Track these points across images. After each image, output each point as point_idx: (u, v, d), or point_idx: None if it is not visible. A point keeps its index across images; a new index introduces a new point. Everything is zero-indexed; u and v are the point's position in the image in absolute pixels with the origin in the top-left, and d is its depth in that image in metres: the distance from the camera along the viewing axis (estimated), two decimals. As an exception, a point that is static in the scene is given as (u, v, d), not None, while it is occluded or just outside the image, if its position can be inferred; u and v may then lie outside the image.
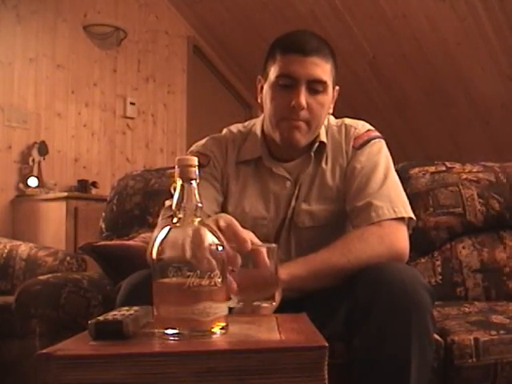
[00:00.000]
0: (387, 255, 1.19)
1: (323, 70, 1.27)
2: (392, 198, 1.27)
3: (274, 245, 0.96)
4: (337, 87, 1.36)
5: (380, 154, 1.35)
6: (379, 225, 1.23)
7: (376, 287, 1.07)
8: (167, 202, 1.37)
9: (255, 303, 0.91)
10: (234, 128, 1.45)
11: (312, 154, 1.35)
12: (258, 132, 1.39)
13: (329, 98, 1.31)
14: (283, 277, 1.04)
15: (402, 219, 1.26)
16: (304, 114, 1.27)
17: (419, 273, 1.17)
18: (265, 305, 0.91)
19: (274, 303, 0.93)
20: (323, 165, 1.35)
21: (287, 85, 1.26)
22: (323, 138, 1.36)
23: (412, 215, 1.28)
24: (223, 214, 0.97)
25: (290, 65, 1.26)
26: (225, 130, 1.45)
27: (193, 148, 1.42)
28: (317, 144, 1.35)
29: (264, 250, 0.94)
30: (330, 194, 1.34)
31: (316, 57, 1.25)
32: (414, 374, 1.04)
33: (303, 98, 1.25)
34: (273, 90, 1.29)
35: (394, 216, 1.24)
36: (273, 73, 1.29)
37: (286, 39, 1.30)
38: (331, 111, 1.37)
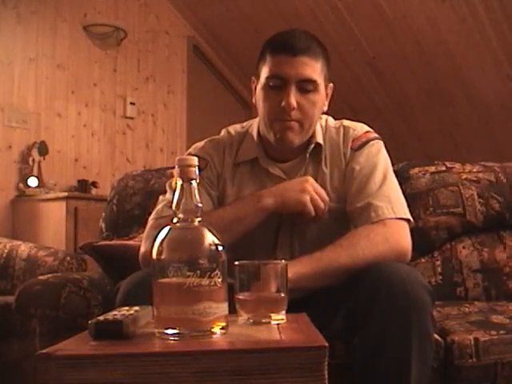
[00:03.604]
0: (392, 255, 1.19)
1: (313, 69, 1.27)
2: (391, 198, 1.27)
3: (283, 261, 0.96)
4: (330, 84, 1.36)
5: (379, 155, 1.35)
6: (384, 224, 1.23)
7: (376, 287, 1.07)
8: (161, 197, 1.37)
9: (264, 320, 0.91)
10: (232, 129, 1.45)
11: (307, 155, 1.35)
12: (255, 133, 1.40)
13: (320, 96, 1.31)
14: (290, 275, 1.04)
15: (403, 219, 1.26)
16: (295, 113, 1.27)
17: (419, 273, 1.17)
18: (274, 322, 0.91)
19: (283, 319, 0.93)
20: (323, 167, 1.35)
21: (277, 86, 1.27)
22: (319, 139, 1.36)
23: (410, 217, 1.28)
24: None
25: (279, 65, 1.26)
26: (223, 131, 1.45)
27: (191, 150, 1.43)
28: (312, 145, 1.35)
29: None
30: (329, 195, 1.34)
31: (305, 56, 1.25)
32: (414, 375, 1.04)
33: (293, 98, 1.25)
34: (264, 91, 1.30)
35: (393, 216, 1.24)
36: (263, 74, 1.30)
37: (276, 40, 1.30)
38: (326, 109, 1.37)
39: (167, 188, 1.38)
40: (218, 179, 1.38)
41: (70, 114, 4.07)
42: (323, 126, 1.39)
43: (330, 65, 1.34)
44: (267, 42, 1.32)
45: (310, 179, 1.28)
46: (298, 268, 1.12)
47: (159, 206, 1.36)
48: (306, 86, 1.27)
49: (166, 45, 4.80)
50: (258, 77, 1.34)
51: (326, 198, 1.28)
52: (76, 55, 4.12)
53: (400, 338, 1.04)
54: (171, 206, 1.27)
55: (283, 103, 1.25)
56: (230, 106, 5.34)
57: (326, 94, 1.35)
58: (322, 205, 1.27)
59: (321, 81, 1.29)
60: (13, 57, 3.75)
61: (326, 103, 1.36)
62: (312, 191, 1.26)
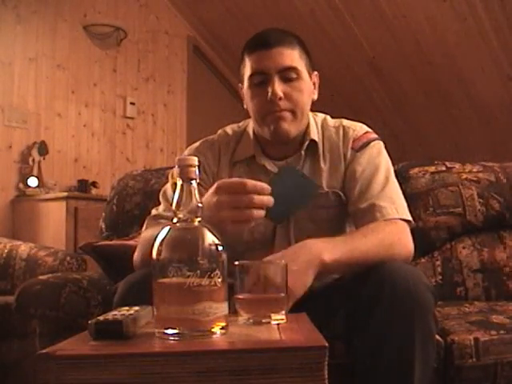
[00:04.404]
0: (402, 253, 1.21)
1: (290, 57, 1.29)
2: (394, 199, 1.28)
3: (283, 262, 0.96)
4: (315, 72, 1.37)
5: (380, 157, 1.35)
6: (391, 223, 1.23)
7: (379, 286, 1.06)
8: (153, 211, 1.37)
9: (264, 320, 0.91)
10: (229, 129, 1.46)
11: (303, 152, 1.35)
12: (251, 132, 1.41)
13: (306, 83, 1.32)
14: (327, 260, 1.06)
15: (404, 219, 1.27)
16: (284, 103, 1.28)
17: (422, 273, 1.17)
18: (274, 322, 0.91)
19: (283, 319, 0.93)
20: (321, 164, 1.35)
21: (261, 81, 1.29)
22: (314, 136, 1.36)
23: (411, 218, 1.29)
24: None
25: (257, 61, 1.29)
26: (219, 131, 1.46)
27: (186, 152, 1.44)
28: (307, 142, 1.35)
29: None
30: (325, 191, 1.34)
31: (280, 46, 1.28)
32: (418, 375, 1.04)
33: (277, 88, 1.27)
34: (250, 90, 1.32)
35: (397, 216, 1.25)
36: (246, 74, 1.32)
37: (250, 40, 1.33)
38: (315, 97, 1.38)
39: (161, 199, 1.38)
40: (214, 179, 1.38)
41: (69, 114, 4.07)
42: (319, 123, 1.40)
43: (310, 55, 1.35)
44: (244, 46, 1.34)
45: (218, 194, 1.04)
46: (335, 255, 1.10)
47: (146, 223, 1.36)
48: (289, 75, 1.29)
49: (166, 45, 4.80)
50: (242, 81, 1.36)
51: (251, 200, 1.02)
52: (76, 55, 4.12)
53: (403, 337, 1.04)
54: (160, 218, 1.30)
55: (269, 95, 1.27)
56: (230, 106, 5.34)
57: (314, 83, 1.37)
58: (249, 215, 1.03)
59: (302, 68, 1.31)
60: (13, 57, 3.75)
61: (316, 92, 1.38)
62: (229, 212, 1.01)
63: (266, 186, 1.04)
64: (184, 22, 4.92)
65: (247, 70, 1.31)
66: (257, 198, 1.02)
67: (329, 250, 1.09)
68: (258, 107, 1.31)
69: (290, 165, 1.36)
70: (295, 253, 1.09)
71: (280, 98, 1.27)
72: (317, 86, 1.38)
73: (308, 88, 1.33)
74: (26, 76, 3.82)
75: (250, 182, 1.03)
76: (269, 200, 1.04)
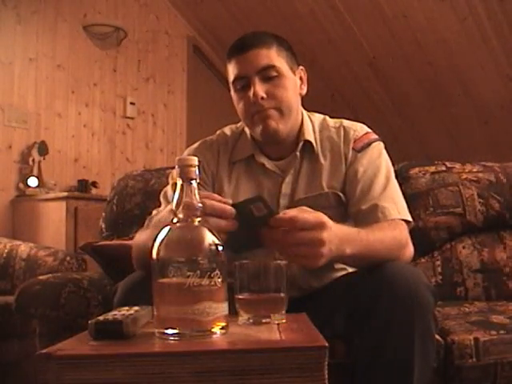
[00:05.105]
0: (407, 254, 1.21)
1: (267, 56, 1.29)
2: (395, 200, 1.29)
3: (283, 262, 0.96)
4: (300, 67, 1.37)
5: (381, 158, 1.35)
6: (395, 223, 1.23)
7: (379, 286, 1.06)
8: (154, 212, 1.38)
9: (264, 320, 0.91)
10: (228, 130, 1.47)
11: (297, 153, 1.35)
12: (248, 132, 1.41)
13: (289, 79, 1.32)
14: (347, 254, 1.05)
15: (404, 220, 1.27)
16: (269, 102, 1.29)
17: (422, 273, 1.17)
18: (275, 322, 0.91)
19: (283, 319, 0.93)
20: (321, 164, 1.35)
21: (243, 85, 1.30)
22: (308, 136, 1.36)
23: (411, 219, 1.29)
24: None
25: (236, 67, 1.31)
26: (218, 132, 1.47)
27: (185, 153, 1.45)
28: (301, 143, 1.35)
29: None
30: (325, 192, 1.34)
31: (255, 48, 1.29)
32: (417, 374, 1.04)
33: (258, 88, 1.28)
34: (235, 95, 1.34)
35: (398, 217, 1.25)
36: (230, 81, 1.35)
37: (229, 47, 1.35)
38: (304, 92, 1.38)
39: (161, 199, 1.38)
40: (214, 178, 1.39)
41: (69, 114, 4.07)
42: (316, 123, 1.40)
43: (293, 50, 1.35)
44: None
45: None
46: (356, 248, 1.09)
47: (146, 223, 1.36)
48: (268, 74, 1.29)
49: (166, 45, 4.80)
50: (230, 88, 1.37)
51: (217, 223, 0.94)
52: (76, 55, 4.12)
53: (402, 338, 1.04)
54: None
55: (251, 97, 1.28)
56: (230, 106, 5.33)
57: (300, 78, 1.37)
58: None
59: (281, 65, 1.31)
60: (13, 57, 3.75)
61: (304, 87, 1.38)
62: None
63: (227, 208, 0.95)
64: (184, 21, 4.92)
65: (230, 77, 1.34)
66: (211, 222, 0.92)
67: (348, 242, 1.07)
68: (243, 110, 1.33)
69: (288, 165, 1.36)
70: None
71: (262, 98, 1.28)
72: (305, 80, 1.38)
73: (292, 84, 1.33)
74: (26, 76, 3.82)
75: (210, 204, 0.94)
76: (227, 225, 0.95)
